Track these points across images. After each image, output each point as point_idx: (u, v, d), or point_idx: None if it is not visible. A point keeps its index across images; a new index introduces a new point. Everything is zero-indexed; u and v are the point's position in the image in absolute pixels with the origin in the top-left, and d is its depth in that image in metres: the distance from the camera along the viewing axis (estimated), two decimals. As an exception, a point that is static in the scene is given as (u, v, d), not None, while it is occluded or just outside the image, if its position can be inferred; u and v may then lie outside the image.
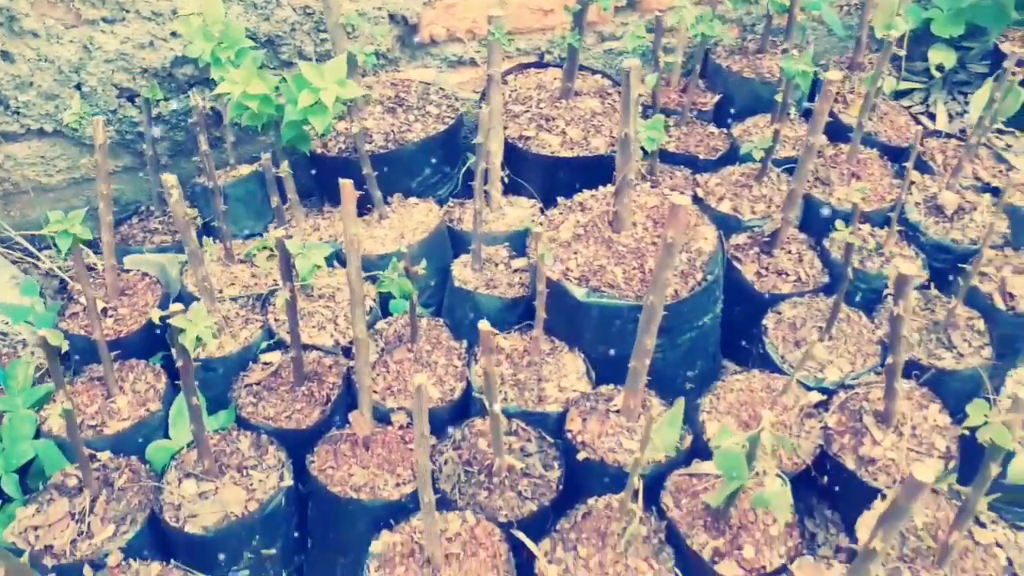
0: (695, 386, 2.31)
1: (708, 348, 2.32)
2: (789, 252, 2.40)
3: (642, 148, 2.51)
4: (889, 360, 1.82)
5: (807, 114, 2.92)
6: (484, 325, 1.60)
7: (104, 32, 2.48)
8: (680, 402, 1.80)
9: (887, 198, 2.50)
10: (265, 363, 2.22)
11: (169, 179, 1.98)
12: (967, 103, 3.25)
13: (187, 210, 2.07)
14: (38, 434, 2.06)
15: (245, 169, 2.68)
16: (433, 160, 2.62)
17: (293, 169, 2.43)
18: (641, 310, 2.06)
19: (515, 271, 2.42)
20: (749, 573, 1.78)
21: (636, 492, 1.71)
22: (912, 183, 2.52)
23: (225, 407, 2.14)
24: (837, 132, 2.75)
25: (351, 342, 2.25)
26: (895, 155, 2.70)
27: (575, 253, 2.22)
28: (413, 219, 2.50)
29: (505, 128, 2.62)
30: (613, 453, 1.96)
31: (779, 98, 2.54)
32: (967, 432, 1.90)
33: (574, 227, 2.30)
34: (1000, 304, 2.22)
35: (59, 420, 2.08)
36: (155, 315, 1.69)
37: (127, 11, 2.46)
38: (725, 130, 2.83)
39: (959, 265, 2.21)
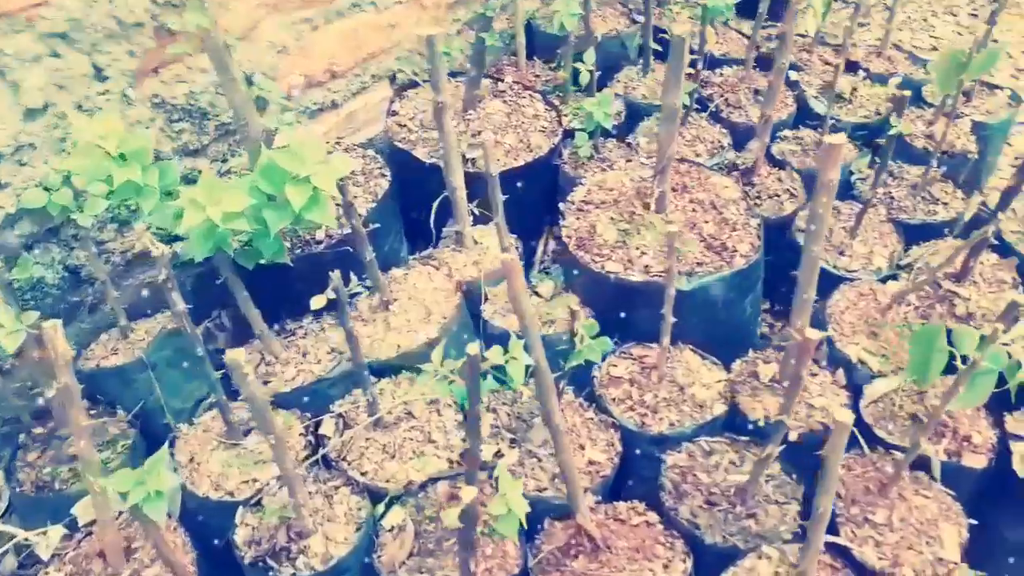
0: (755, 325, 2.30)
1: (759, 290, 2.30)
2: (765, 176, 2.45)
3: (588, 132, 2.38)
4: (977, 233, 1.96)
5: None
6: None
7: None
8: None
9: (786, 105, 2.67)
10: (393, 529, 1.71)
11: (237, 354, 1.39)
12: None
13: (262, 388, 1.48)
14: None
15: (155, 324, 2.01)
16: (391, 222, 2.20)
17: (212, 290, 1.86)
18: (734, 276, 2.00)
19: (550, 299, 2.16)
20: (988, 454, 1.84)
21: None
22: (796, 82, 2.74)
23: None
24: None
25: (462, 456, 1.84)
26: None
27: (638, 251, 2.04)
28: (422, 292, 2.08)
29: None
30: (813, 415, 1.87)
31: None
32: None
33: (611, 226, 2.10)
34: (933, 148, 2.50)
35: None
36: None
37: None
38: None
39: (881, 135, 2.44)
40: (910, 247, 2.30)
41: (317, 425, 1.88)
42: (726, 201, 2.17)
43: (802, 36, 3.03)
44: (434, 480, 1.78)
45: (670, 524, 1.72)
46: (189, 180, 2.09)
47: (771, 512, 1.73)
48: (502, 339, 2.07)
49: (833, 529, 1.70)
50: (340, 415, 1.89)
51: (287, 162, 1.68)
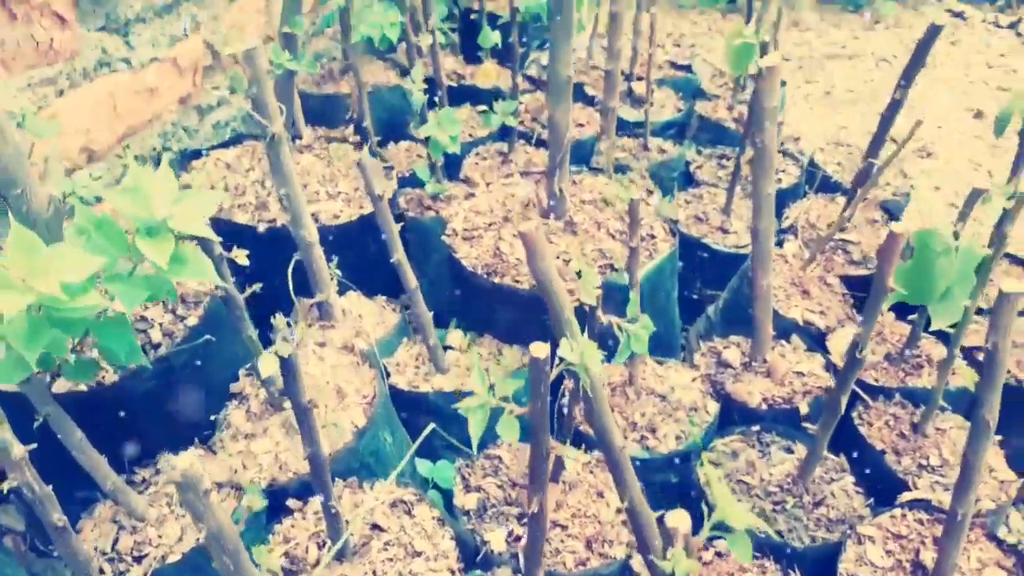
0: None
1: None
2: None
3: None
4: (861, 191, 1.96)
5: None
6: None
7: None
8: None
9: (594, 122, 2.58)
10: None
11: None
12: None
13: None
14: None
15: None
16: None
17: None
18: (667, 262, 1.81)
19: (467, 349, 1.76)
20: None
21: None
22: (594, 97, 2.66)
23: None
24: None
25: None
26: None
27: (560, 259, 1.73)
28: (320, 376, 1.56)
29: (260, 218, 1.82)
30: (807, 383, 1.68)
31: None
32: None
33: (519, 243, 1.78)
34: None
35: None
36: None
37: None
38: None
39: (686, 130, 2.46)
40: (779, 212, 2.28)
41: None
42: (612, 196, 1.96)
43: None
44: (447, 600, 1.27)
45: (745, 544, 1.38)
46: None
47: (836, 492, 1.47)
48: (421, 407, 1.65)
49: (902, 489, 1.49)
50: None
51: (130, 206, 1.15)
